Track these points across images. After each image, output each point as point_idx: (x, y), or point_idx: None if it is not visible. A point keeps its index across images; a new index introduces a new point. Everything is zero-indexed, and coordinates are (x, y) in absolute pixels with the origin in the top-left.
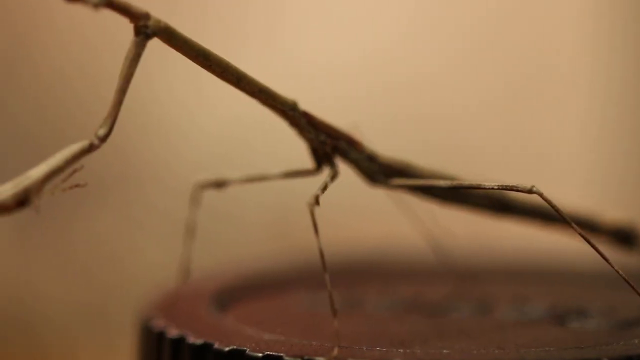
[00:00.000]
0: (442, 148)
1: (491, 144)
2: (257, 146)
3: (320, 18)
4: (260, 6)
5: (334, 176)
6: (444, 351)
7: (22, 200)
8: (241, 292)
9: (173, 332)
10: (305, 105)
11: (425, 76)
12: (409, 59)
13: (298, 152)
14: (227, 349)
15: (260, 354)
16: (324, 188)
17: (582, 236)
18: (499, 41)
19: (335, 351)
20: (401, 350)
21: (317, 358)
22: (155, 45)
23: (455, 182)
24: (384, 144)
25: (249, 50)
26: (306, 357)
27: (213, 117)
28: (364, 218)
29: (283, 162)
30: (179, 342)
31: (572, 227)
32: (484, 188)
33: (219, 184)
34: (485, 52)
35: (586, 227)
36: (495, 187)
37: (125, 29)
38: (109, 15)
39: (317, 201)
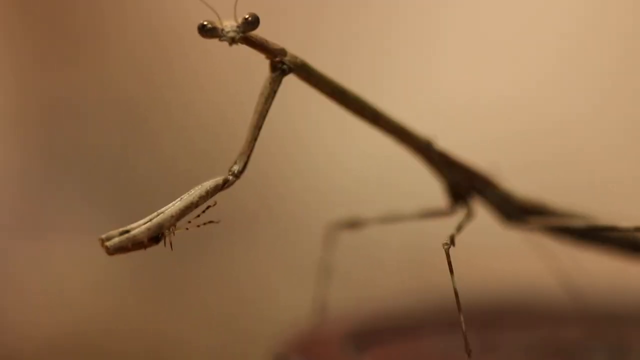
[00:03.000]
0: (581, 185)
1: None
2: (394, 183)
3: (463, 55)
4: (403, 44)
5: (469, 216)
6: None
7: (155, 237)
8: (376, 333)
9: None
10: (444, 143)
11: (566, 116)
12: (551, 99)
13: (434, 189)
14: None
15: None
16: (460, 228)
17: None
18: None
19: None
20: None
21: None
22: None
23: (590, 223)
24: (522, 183)
25: (389, 87)
26: None
27: (352, 153)
28: (499, 257)
29: (419, 199)
30: None
31: None
32: (620, 229)
33: (354, 225)
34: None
35: None
36: (631, 229)
37: (260, 63)
38: (244, 50)
39: (452, 241)
